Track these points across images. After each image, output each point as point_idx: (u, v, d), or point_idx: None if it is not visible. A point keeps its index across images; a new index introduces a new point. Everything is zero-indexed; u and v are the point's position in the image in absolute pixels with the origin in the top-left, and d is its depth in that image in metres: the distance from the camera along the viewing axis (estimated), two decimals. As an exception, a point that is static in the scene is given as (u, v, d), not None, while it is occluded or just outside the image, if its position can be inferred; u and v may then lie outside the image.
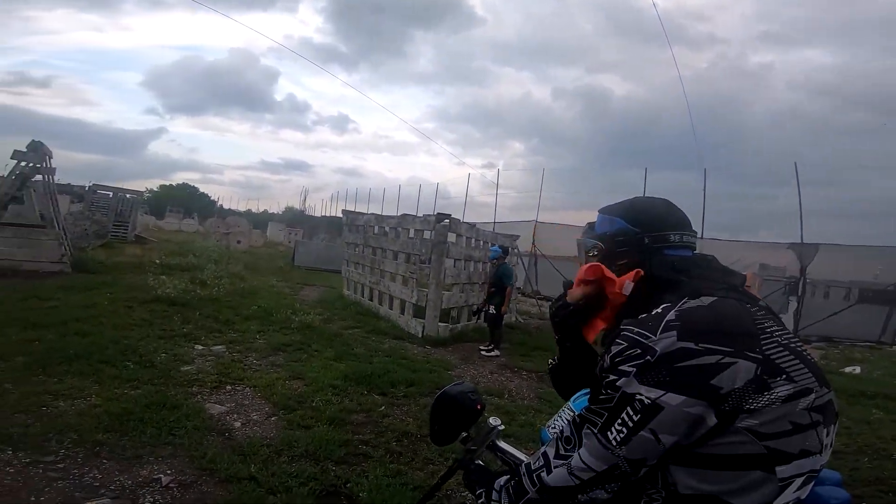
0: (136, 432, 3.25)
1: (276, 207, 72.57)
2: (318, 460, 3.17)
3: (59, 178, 16.72)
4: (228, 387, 4.55)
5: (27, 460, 2.81)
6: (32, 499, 2.50)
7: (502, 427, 1.23)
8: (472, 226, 9.63)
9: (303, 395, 4.46)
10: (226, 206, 68.33)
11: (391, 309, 8.93)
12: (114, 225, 19.52)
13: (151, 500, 2.59)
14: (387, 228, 9.75)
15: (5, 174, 10.19)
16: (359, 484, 2.91)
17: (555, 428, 1.18)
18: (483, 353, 7.37)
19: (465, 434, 1.23)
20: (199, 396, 4.18)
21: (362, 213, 12.00)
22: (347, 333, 7.54)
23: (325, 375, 5.06)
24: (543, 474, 0.98)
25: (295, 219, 51.29)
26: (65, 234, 11.22)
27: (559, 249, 15.52)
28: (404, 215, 9.61)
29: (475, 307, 8.64)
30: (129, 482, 2.72)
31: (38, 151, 10.35)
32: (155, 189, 64.02)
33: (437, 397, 1.26)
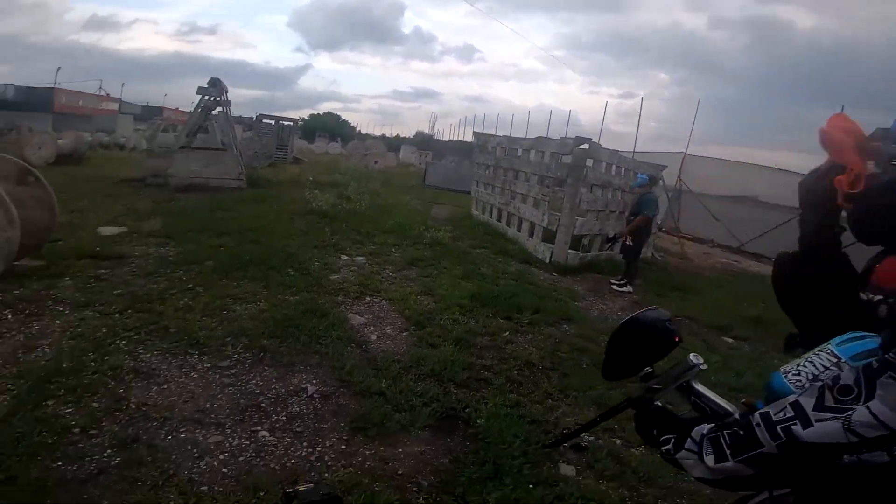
0: (293, 339, 3.68)
1: (407, 132, 75.32)
2: (442, 381, 3.32)
3: (232, 110, 19.35)
4: (367, 298, 4.96)
5: (208, 365, 3.21)
6: (208, 405, 2.78)
7: (704, 366, 1.03)
8: (613, 152, 8.67)
9: (432, 312, 4.67)
10: (363, 132, 72.96)
11: (519, 231, 8.76)
12: (276, 148, 22.12)
13: (297, 409, 2.86)
14: (520, 151, 9.31)
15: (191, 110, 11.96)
16: (477, 410, 2.98)
17: (799, 375, 0.96)
18: (614, 287, 6.89)
19: (649, 370, 1.08)
20: (343, 306, 4.63)
21: (494, 135, 11.59)
22: (475, 252, 7.65)
23: (454, 294, 5.21)
24: (797, 427, 0.80)
25: (424, 142, 52.98)
26: (240, 156, 13.04)
27: (708, 185, 13.85)
28: (540, 137, 9.03)
29: (612, 235, 8.01)
30: (283, 390, 3.02)
31: (217, 86, 11.89)
32: (305, 118, 71.34)
33: (626, 322, 1.11)
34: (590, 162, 7.82)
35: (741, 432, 0.86)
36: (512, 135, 36.20)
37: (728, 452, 0.86)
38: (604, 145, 8.58)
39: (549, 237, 7.88)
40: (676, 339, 1.05)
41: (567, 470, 2.56)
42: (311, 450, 2.51)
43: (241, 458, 2.38)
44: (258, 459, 2.39)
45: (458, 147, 42.76)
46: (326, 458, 2.45)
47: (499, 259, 7.45)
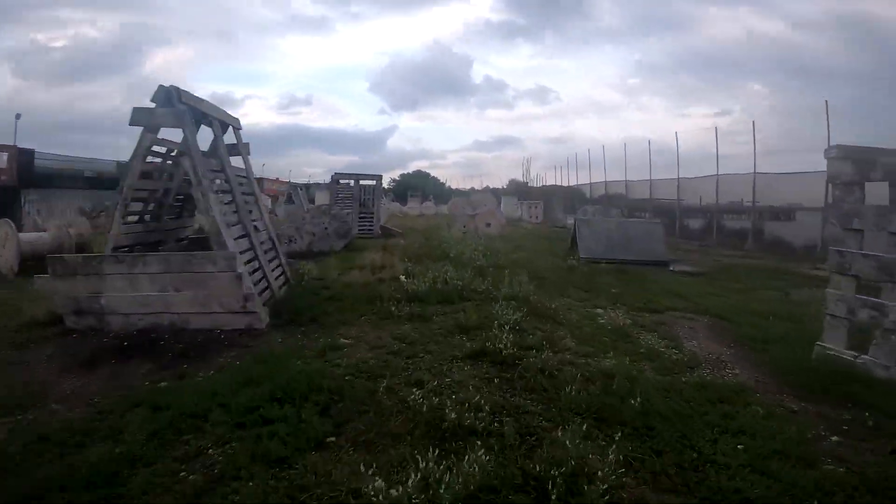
0: None
1: (495, 182, 70.14)
2: None
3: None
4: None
5: None
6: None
7: None
8: None
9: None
10: (453, 187, 69.81)
11: None
12: (359, 218, 16.98)
13: None
14: None
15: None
16: None
17: None
18: None
19: None
20: None
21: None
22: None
23: None
24: None
25: (520, 190, 48.29)
26: (275, 248, 7.31)
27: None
28: None
29: None
30: None
31: (173, 106, 6.24)
32: (397, 178, 70.29)
33: None
34: None
35: None
36: (607, 173, 30.35)
37: None
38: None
39: None
40: None
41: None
42: None
43: None
44: None
45: (571, 194, 36.23)
46: None
47: None
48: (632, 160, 28.50)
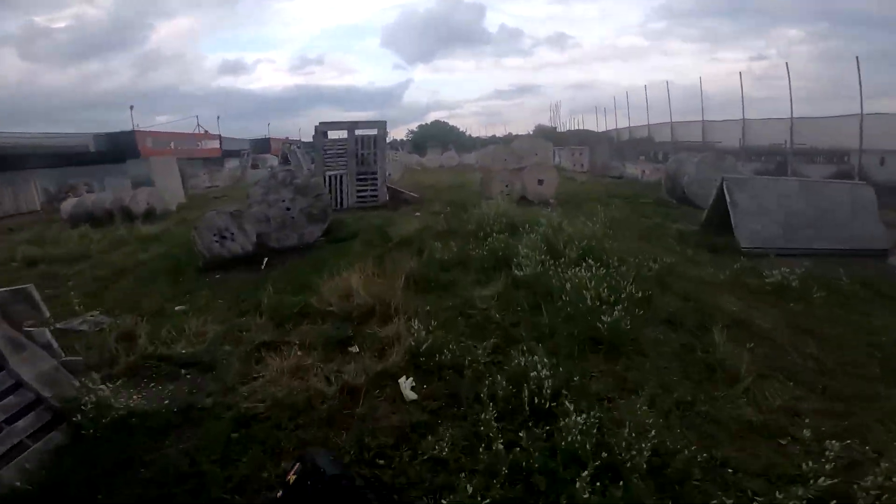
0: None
1: (520, 128, 62.77)
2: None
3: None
4: None
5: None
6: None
7: None
8: None
9: None
10: (473, 135, 63.55)
11: None
12: (358, 179, 11.84)
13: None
14: None
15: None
16: None
17: None
18: None
19: None
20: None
21: None
22: None
23: None
24: None
25: (548, 136, 42.83)
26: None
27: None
28: None
29: None
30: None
31: None
32: (414, 129, 63.94)
33: None
34: None
35: None
36: (630, 118, 30.22)
37: None
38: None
39: None
40: None
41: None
42: None
43: None
44: None
45: (600, 137, 30.77)
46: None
47: None
48: (659, 104, 26.28)
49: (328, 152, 12.26)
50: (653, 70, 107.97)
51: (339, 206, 11.80)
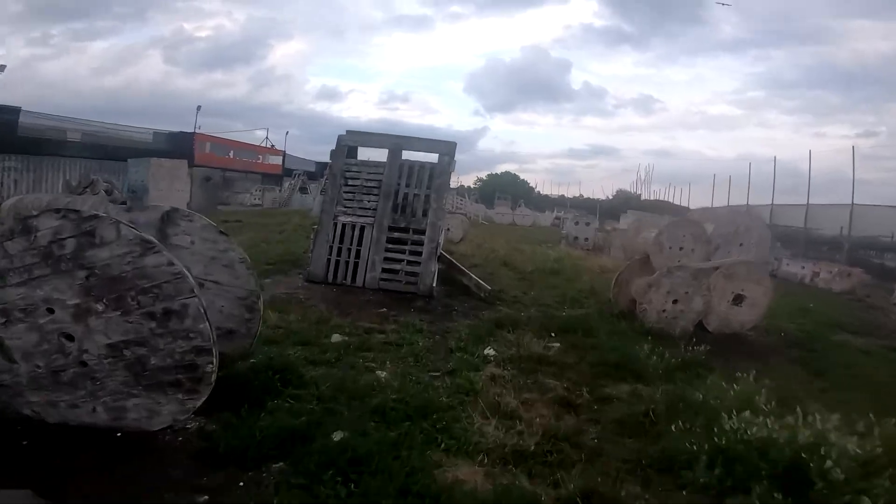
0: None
1: (592, 192, 56.69)
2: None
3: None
4: None
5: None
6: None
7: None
8: None
9: None
10: (542, 192, 59.10)
11: None
12: (387, 238, 6.55)
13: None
14: None
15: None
16: None
17: None
18: None
19: None
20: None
21: None
22: None
23: None
24: None
25: (630, 205, 37.86)
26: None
27: None
28: None
29: None
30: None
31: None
32: (483, 178, 61.36)
33: None
34: None
35: None
36: (714, 195, 25.93)
37: None
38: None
39: None
40: None
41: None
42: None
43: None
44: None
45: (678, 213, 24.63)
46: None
47: None
48: (748, 179, 23.70)
49: (350, 182, 7.17)
50: (742, 142, 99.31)
51: (345, 279, 6.59)
